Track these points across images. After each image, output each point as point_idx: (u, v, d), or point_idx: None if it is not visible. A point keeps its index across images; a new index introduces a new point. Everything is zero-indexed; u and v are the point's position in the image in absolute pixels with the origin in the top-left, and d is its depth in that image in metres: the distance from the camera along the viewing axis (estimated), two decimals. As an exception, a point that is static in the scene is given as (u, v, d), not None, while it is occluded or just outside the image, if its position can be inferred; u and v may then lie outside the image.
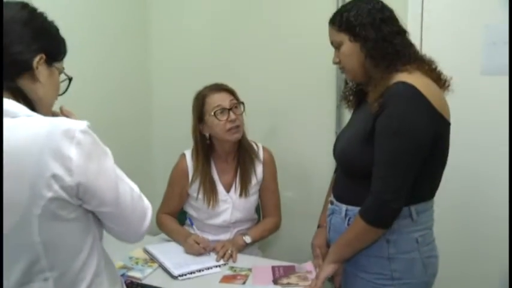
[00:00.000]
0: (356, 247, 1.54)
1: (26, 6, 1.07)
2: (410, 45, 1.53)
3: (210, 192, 2.09)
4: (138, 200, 1.12)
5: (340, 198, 1.63)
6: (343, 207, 1.59)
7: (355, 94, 1.69)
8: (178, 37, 2.78)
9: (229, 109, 2.02)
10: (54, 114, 1.15)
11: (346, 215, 1.58)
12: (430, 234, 1.57)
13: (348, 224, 1.57)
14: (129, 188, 1.10)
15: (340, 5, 2.23)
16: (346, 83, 1.72)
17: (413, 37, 2.22)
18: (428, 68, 1.49)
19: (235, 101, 2.05)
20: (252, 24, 2.56)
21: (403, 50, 1.48)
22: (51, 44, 1.09)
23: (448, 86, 1.52)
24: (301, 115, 2.48)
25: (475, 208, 2.27)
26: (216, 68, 2.64)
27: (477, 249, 2.31)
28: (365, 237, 1.50)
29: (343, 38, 1.52)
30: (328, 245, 1.72)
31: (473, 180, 2.24)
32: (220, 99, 2.03)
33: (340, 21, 1.53)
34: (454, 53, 2.15)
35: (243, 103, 2.09)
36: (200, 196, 2.10)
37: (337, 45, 1.56)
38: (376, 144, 1.44)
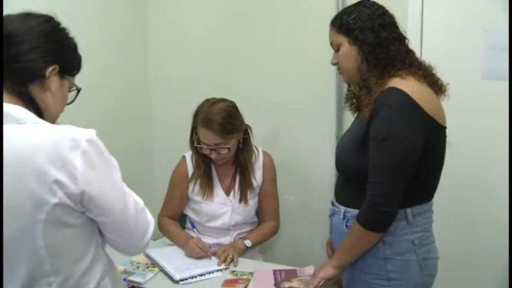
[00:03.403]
0: (356, 252, 1.56)
1: (50, 19, 1.10)
2: (408, 52, 1.55)
3: (206, 185, 2.09)
4: (141, 213, 1.12)
5: (339, 200, 1.66)
6: (342, 208, 1.63)
7: (357, 98, 1.70)
8: (177, 39, 2.78)
9: (212, 149, 2.00)
10: None
11: (344, 216, 1.61)
12: (427, 236, 1.58)
13: (346, 226, 1.60)
14: (133, 200, 1.10)
15: (340, 7, 2.24)
16: (349, 86, 1.73)
17: (413, 41, 2.24)
18: (423, 74, 1.50)
19: (221, 143, 1.98)
20: (251, 26, 2.56)
21: (399, 57, 1.50)
22: (66, 58, 1.12)
23: (445, 91, 1.55)
24: (301, 119, 2.49)
25: (475, 211, 2.28)
26: (215, 71, 2.65)
27: (477, 251, 2.32)
28: (363, 241, 1.52)
29: (342, 40, 1.55)
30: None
31: (473, 183, 2.24)
32: (206, 137, 1.98)
33: (340, 24, 1.55)
34: (454, 56, 2.16)
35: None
36: (196, 189, 2.11)
37: (336, 47, 1.59)
38: (369, 150, 1.47)
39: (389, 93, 1.44)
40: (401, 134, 1.41)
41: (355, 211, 1.54)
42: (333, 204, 1.70)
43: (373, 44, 1.49)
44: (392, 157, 1.43)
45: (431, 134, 1.47)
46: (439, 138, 1.53)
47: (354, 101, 1.69)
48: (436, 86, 1.53)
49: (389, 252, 1.53)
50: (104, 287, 1.11)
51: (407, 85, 1.44)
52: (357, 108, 1.71)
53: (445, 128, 1.53)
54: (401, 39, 1.55)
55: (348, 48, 1.54)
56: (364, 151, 1.48)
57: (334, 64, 1.63)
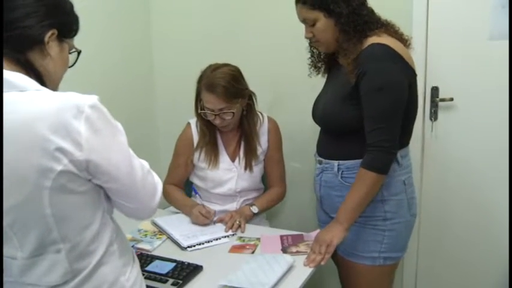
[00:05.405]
0: (367, 203, 1.64)
1: None
2: (373, 13, 1.67)
3: (212, 153, 2.09)
4: (148, 176, 1.12)
5: (330, 156, 1.77)
6: (335, 162, 1.74)
7: (324, 61, 1.84)
8: (181, 5, 2.73)
9: (216, 114, 1.98)
10: None
11: (338, 169, 1.74)
12: (411, 177, 1.76)
13: (342, 177, 1.72)
14: (139, 163, 1.09)
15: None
16: (313, 53, 1.85)
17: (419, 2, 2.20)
18: (393, 30, 1.65)
19: (225, 108, 1.96)
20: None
21: (371, 19, 1.62)
22: (63, 21, 1.09)
23: (410, 44, 1.67)
24: (306, 84, 2.45)
25: (479, 182, 2.30)
26: (218, 37, 2.62)
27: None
28: (376, 187, 1.62)
29: (318, 15, 1.63)
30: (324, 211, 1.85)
31: (479, 146, 2.23)
32: (210, 102, 1.96)
33: (313, 0, 1.62)
34: (462, 17, 2.12)
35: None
36: (202, 157, 2.10)
37: (311, 23, 1.66)
38: (365, 104, 1.58)
39: (372, 49, 1.56)
40: (394, 81, 1.55)
41: (348, 162, 1.69)
42: (320, 162, 1.81)
43: (348, 13, 1.59)
44: (390, 103, 1.56)
45: (412, 80, 1.62)
46: (416, 85, 1.67)
47: (319, 65, 1.84)
48: (403, 40, 1.66)
49: (386, 194, 1.67)
50: (112, 253, 1.11)
51: (385, 40, 1.57)
52: (326, 71, 1.86)
53: (416, 75, 1.66)
54: (365, 3, 1.65)
55: (324, 21, 1.63)
56: (353, 106, 1.61)
57: (308, 38, 1.72)
